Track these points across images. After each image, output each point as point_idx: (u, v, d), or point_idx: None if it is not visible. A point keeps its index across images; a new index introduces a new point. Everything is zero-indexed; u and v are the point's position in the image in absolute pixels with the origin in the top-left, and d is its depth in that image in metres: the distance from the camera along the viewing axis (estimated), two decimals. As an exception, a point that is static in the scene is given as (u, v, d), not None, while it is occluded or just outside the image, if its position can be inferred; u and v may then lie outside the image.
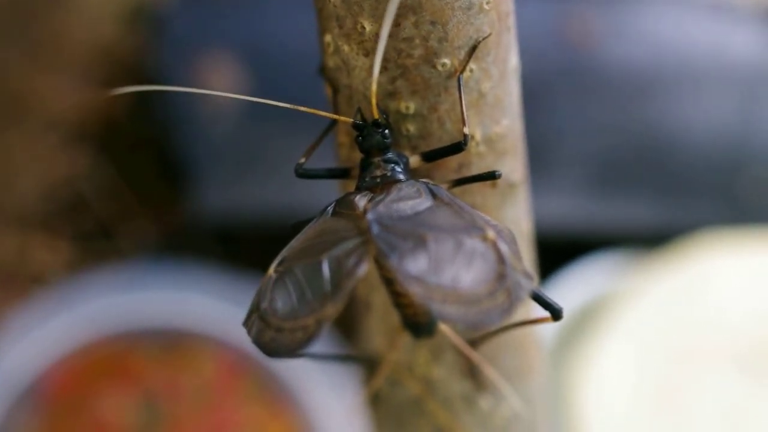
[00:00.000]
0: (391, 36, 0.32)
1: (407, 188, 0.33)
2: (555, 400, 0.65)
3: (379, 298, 0.39)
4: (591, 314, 0.69)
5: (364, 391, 0.42)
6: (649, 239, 0.72)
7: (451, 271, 0.30)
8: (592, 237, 0.73)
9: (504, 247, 0.30)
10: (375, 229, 0.31)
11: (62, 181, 0.77)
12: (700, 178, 0.71)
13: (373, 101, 0.32)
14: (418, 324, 0.36)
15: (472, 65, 0.33)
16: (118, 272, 0.72)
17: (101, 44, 0.80)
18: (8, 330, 0.69)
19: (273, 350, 0.32)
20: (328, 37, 0.34)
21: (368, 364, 0.41)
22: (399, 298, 0.35)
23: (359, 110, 0.34)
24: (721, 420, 0.65)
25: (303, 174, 0.35)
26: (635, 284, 0.69)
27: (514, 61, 0.35)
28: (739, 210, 0.72)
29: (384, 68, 0.33)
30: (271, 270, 0.32)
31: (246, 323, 0.32)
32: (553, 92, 0.69)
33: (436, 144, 0.34)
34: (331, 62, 0.34)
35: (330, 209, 0.33)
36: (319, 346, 0.37)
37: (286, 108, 0.36)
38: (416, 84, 0.33)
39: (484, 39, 0.33)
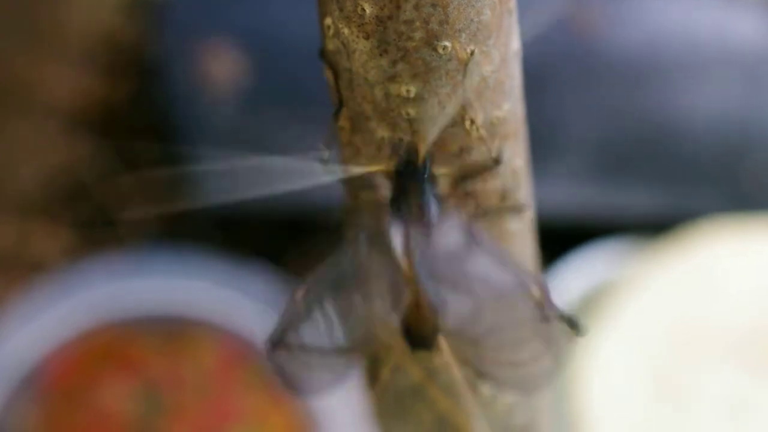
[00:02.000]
0: (391, 18, 0.32)
1: (445, 226, 0.32)
2: (557, 388, 0.65)
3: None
4: (593, 302, 0.69)
5: (365, 378, 0.42)
6: (652, 226, 0.72)
7: (498, 331, 0.29)
8: (595, 224, 0.72)
9: (550, 305, 0.30)
10: (423, 277, 0.30)
11: (62, 168, 0.77)
12: (703, 165, 0.71)
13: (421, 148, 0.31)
14: (420, 338, 0.35)
15: (472, 48, 0.33)
16: (119, 259, 0.72)
17: (101, 31, 0.80)
18: (8, 317, 0.69)
19: (299, 385, 0.31)
20: (328, 20, 0.34)
21: (369, 352, 0.41)
22: (406, 312, 0.34)
23: (399, 150, 0.33)
24: (723, 408, 0.65)
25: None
26: (638, 272, 0.69)
27: (515, 44, 0.35)
28: (743, 197, 0.72)
29: (385, 51, 0.33)
30: (298, 297, 0.31)
31: (271, 352, 0.31)
32: (557, 78, 0.69)
33: (435, 128, 0.34)
34: (332, 45, 0.34)
35: (363, 237, 0.32)
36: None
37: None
38: (417, 67, 0.33)
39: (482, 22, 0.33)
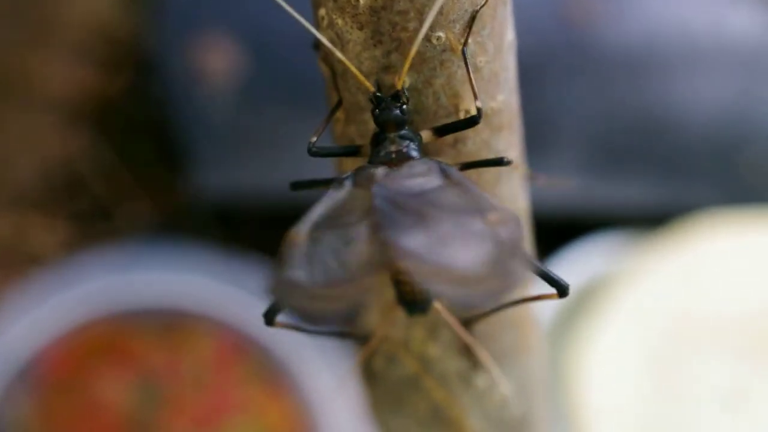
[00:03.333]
0: (385, 9, 0.32)
1: (419, 165, 0.32)
2: (553, 380, 0.65)
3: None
4: (590, 295, 0.69)
5: (360, 368, 0.42)
6: (649, 219, 0.72)
7: (447, 250, 0.29)
8: (592, 217, 0.72)
9: (504, 232, 0.30)
10: (379, 202, 0.31)
11: (60, 161, 0.77)
12: (700, 158, 0.71)
13: (404, 73, 0.32)
14: (414, 301, 0.36)
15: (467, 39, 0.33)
16: (116, 252, 0.72)
17: (99, 24, 0.80)
18: (5, 310, 0.69)
19: (310, 317, 0.31)
20: (322, 11, 0.33)
21: (364, 341, 0.41)
22: (398, 275, 0.34)
23: (377, 81, 0.34)
24: (720, 400, 0.65)
25: (316, 153, 0.35)
26: (634, 265, 0.69)
27: (510, 35, 0.35)
28: (739, 190, 0.72)
29: (379, 41, 0.33)
30: (298, 236, 0.31)
31: (274, 291, 0.31)
32: (553, 71, 0.69)
33: (431, 118, 0.34)
34: (325, 36, 0.34)
35: (349, 179, 0.33)
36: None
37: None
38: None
39: (479, 8, 0.33)
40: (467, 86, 0.34)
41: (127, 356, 0.69)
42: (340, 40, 0.33)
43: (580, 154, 0.71)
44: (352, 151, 0.35)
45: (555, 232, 0.70)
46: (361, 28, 0.32)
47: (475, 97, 0.33)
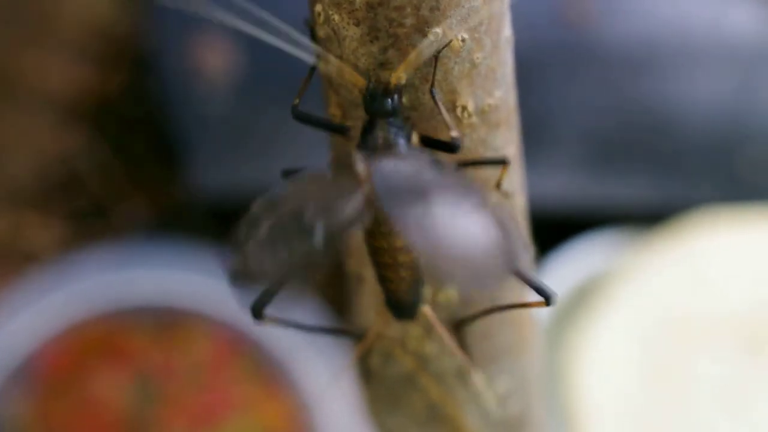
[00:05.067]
0: (382, 4, 0.32)
1: (410, 153, 0.32)
2: (551, 378, 0.65)
3: (371, 273, 0.39)
4: (588, 293, 0.69)
5: (357, 367, 0.42)
6: (647, 217, 0.72)
7: (453, 233, 0.30)
8: (590, 215, 0.72)
9: (505, 214, 0.30)
10: (380, 188, 0.31)
11: (56, 159, 0.77)
12: (698, 156, 0.71)
13: (400, 70, 0.32)
14: (401, 303, 0.36)
15: (464, 35, 0.33)
16: (113, 250, 0.72)
17: (95, 22, 0.80)
18: (1, 308, 0.69)
19: (248, 285, 0.31)
20: (318, 7, 0.33)
21: (361, 340, 0.41)
22: (385, 271, 0.34)
23: (370, 75, 0.33)
24: (720, 397, 0.65)
25: (300, 116, 0.34)
26: (633, 262, 0.69)
27: (507, 31, 0.35)
28: (738, 188, 0.72)
29: (375, 37, 0.32)
30: (258, 210, 0.32)
31: (228, 261, 0.32)
32: (551, 69, 0.69)
33: (428, 114, 0.34)
34: (322, 32, 0.34)
35: (330, 165, 0.33)
36: (312, 322, 0.36)
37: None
38: (408, 54, 0.33)
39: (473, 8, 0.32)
40: (464, 82, 0.34)
41: (124, 354, 0.69)
42: (336, 37, 0.33)
43: (578, 151, 0.70)
44: (339, 129, 0.35)
45: (553, 229, 0.69)
46: (357, 24, 0.32)
47: (450, 127, 0.33)
